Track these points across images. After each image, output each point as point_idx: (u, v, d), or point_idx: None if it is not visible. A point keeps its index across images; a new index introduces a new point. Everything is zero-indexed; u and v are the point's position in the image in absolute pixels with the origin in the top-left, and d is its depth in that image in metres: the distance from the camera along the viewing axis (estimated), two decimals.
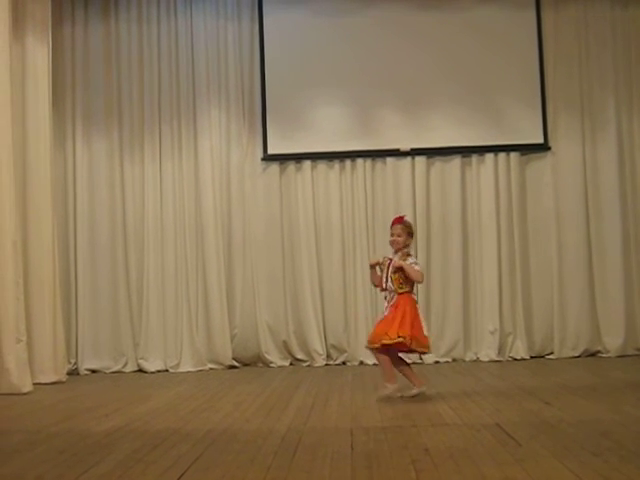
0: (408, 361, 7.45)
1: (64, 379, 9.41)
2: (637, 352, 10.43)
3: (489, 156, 10.70)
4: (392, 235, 7.30)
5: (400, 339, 6.96)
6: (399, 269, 7.15)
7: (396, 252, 7.29)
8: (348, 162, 10.74)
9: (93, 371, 10.40)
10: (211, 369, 10.37)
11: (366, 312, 10.52)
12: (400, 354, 7.28)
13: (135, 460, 4.79)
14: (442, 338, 10.41)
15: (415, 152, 10.69)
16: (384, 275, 7.24)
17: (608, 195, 10.60)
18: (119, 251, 10.61)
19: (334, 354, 10.58)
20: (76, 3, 10.79)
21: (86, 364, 10.41)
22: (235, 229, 10.72)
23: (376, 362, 10.14)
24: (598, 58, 10.76)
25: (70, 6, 10.77)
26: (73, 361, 10.39)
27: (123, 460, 4.81)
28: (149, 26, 10.83)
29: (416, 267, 7.18)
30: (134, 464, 4.68)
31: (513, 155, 10.68)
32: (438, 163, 10.76)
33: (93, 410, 7.07)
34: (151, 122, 10.73)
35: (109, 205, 10.65)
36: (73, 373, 10.18)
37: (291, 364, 10.53)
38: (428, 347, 7.27)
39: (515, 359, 10.38)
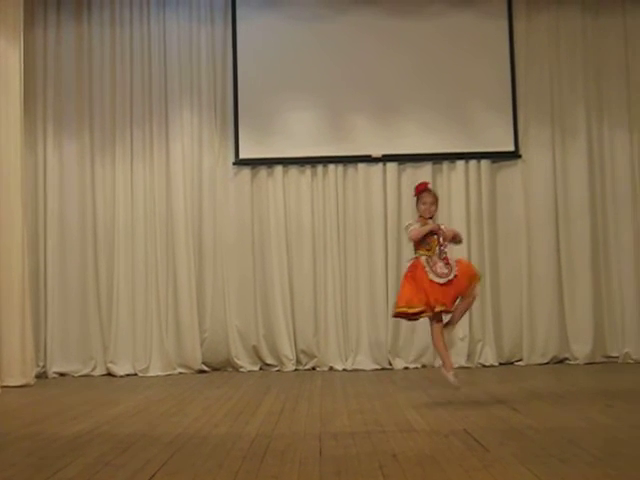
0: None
1: (32, 382, 9.37)
2: (605, 359, 10.50)
3: (460, 163, 10.73)
4: (425, 203, 7.35)
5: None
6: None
7: (429, 219, 7.35)
8: (320, 168, 10.75)
9: (62, 374, 10.34)
10: (180, 373, 10.34)
11: (336, 318, 10.54)
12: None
13: (103, 464, 4.78)
14: (411, 344, 10.43)
15: (386, 158, 10.71)
16: (438, 240, 7.29)
17: (578, 203, 10.66)
18: (89, 254, 10.57)
19: (304, 359, 10.58)
20: (48, 5, 10.74)
21: (55, 367, 10.35)
22: (206, 233, 10.70)
23: (345, 368, 10.25)
24: (569, 67, 10.84)
25: (42, 8, 10.72)
26: (41, 364, 10.31)
27: (91, 464, 4.80)
28: (122, 29, 10.80)
29: None
30: (102, 467, 4.68)
31: (484, 162, 10.73)
32: (409, 169, 10.78)
33: (61, 413, 7.06)
34: (123, 125, 10.70)
35: (80, 208, 10.60)
36: (41, 376, 10.11)
37: (261, 369, 10.52)
38: None
39: (484, 365, 10.42)
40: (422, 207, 7.36)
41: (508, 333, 10.67)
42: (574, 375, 9.55)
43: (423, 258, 7.19)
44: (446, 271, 7.12)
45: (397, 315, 7.40)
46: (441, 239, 7.27)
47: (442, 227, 7.37)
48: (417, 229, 7.28)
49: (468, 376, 9.33)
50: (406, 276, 7.31)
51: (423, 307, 7.05)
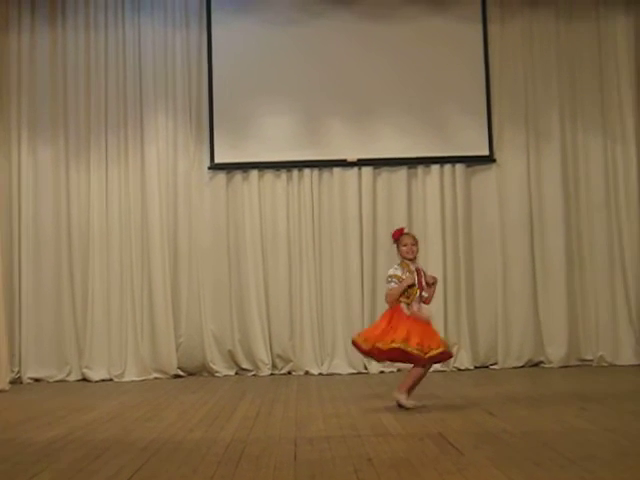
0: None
1: (7, 388, 9.34)
2: (579, 363, 10.55)
3: (435, 167, 10.76)
4: (405, 245, 7.27)
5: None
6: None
7: (412, 260, 7.29)
8: (295, 172, 10.75)
9: (36, 380, 10.28)
10: (156, 378, 10.31)
11: (312, 322, 10.54)
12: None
13: (77, 470, 4.77)
14: None
15: (362, 163, 10.72)
16: (418, 284, 7.22)
17: (552, 207, 10.70)
18: (64, 259, 10.51)
19: (279, 364, 10.57)
20: (23, 9, 10.68)
21: (29, 373, 10.30)
22: (181, 238, 10.68)
23: (321, 372, 10.27)
24: (543, 71, 10.88)
25: (17, 12, 10.66)
26: (16, 370, 10.26)
27: (65, 470, 4.79)
28: (96, 33, 10.75)
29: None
30: (75, 474, 4.67)
31: (458, 167, 10.76)
32: (384, 174, 10.80)
33: (35, 419, 7.02)
34: (97, 130, 10.65)
35: (54, 213, 10.55)
36: (16, 382, 10.06)
37: (236, 373, 10.51)
38: None
39: (460, 369, 10.44)
40: (404, 249, 7.29)
41: (483, 337, 10.70)
42: (549, 378, 9.58)
43: (402, 305, 7.16)
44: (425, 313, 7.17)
45: (357, 346, 7.28)
46: (423, 283, 7.26)
47: (422, 275, 7.30)
48: (394, 292, 7.17)
49: (444, 380, 9.35)
50: (384, 316, 7.26)
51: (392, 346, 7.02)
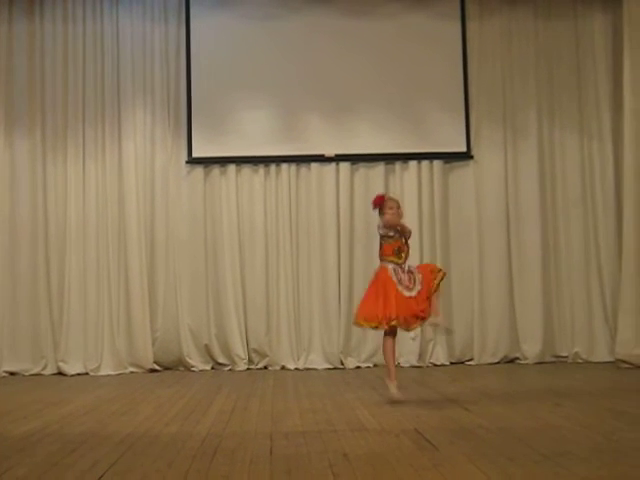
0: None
1: None
2: (554, 359, 10.60)
3: (412, 163, 10.77)
4: (391, 208, 7.12)
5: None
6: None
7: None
8: (273, 167, 10.74)
9: (12, 373, 10.24)
10: (132, 372, 10.28)
11: (288, 316, 10.53)
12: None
13: (51, 464, 4.75)
14: (364, 343, 10.44)
15: (339, 158, 10.73)
16: (399, 242, 7.17)
17: (528, 204, 10.74)
18: (40, 252, 10.46)
19: (256, 358, 10.56)
20: (0, 1, 10.62)
21: (4, 366, 10.25)
22: (158, 232, 10.65)
23: (297, 367, 10.26)
24: (521, 68, 10.92)
25: None
26: None
27: (39, 463, 4.77)
28: (74, 26, 10.71)
29: None
30: (50, 467, 4.65)
31: (436, 163, 10.78)
32: (362, 169, 10.81)
33: (10, 413, 6.99)
34: (75, 123, 10.60)
35: (31, 206, 10.49)
36: None
37: (212, 368, 10.49)
38: None
39: (435, 365, 10.47)
40: (389, 212, 7.12)
41: (459, 332, 10.69)
42: (524, 375, 9.63)
43: (390, 267, 7.08)
44: (411, 285, 7.05)
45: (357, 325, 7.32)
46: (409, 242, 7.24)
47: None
48: (392, 218, 7.09)
49: (419, 375, 9.37)
50: (373, 284, 7.18)
51: (377, 324, 6.98)
